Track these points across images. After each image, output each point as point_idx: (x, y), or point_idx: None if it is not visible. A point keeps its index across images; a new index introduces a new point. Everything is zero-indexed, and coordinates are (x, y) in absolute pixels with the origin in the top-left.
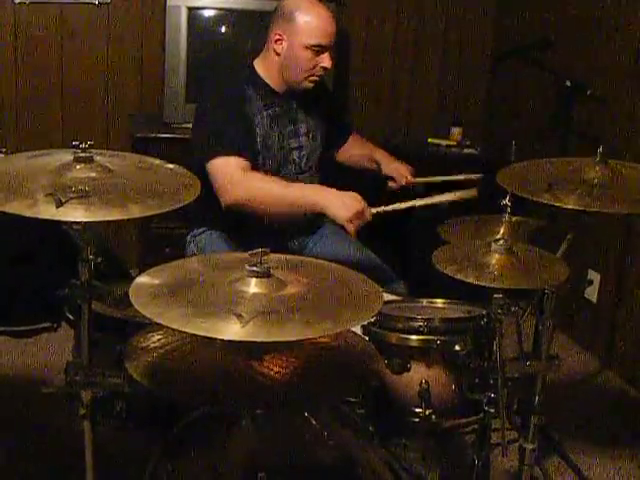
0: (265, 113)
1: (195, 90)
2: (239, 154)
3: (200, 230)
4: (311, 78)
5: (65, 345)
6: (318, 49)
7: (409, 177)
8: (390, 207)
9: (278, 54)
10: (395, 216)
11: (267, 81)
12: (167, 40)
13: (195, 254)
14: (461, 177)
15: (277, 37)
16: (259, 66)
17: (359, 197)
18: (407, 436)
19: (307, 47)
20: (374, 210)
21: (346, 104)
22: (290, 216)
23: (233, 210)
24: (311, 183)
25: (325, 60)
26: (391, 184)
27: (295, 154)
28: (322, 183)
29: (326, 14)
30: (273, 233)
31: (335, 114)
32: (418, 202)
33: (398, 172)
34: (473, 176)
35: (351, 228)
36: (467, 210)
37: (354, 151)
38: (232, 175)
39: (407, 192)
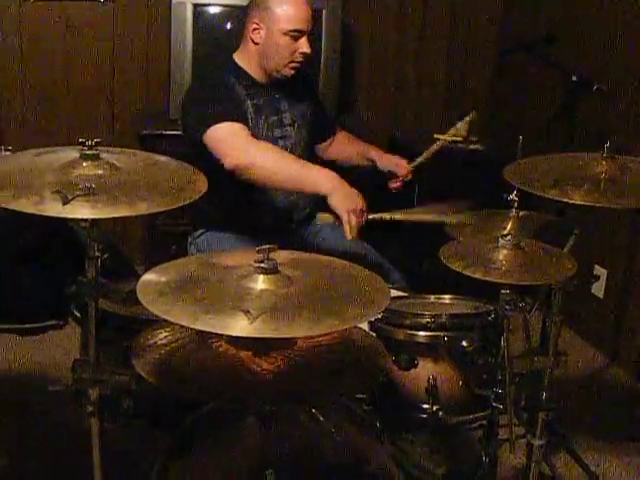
0: (249, 102)
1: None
2: (235, 120)
3: (199, 232)
4: (291, 65)
5: (72, 342)
6: (296, 34)
7: (406, 166)
8: (388, 216)
9: (257, 43)
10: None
11: (249, 72)
12: (173, 37)
13: None
14: (446, 137)
15: (254, 26)
16: (239, 58)
17: (362, 197)
18: (414, 432)
19: (285, 33)
20: (371, 216)
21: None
22: (291, 192)
23: (236, 176)
24: None
25: (303, 45)
26: (391, 184)
27: (280, 143)
28: None
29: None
30: (271, 231)
31: (317, 102)
32: (412, 218)
33: (394, 164)
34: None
35: (347, 219)
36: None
37: (344, 148)
38: (234, 137)
39: (405, 202)
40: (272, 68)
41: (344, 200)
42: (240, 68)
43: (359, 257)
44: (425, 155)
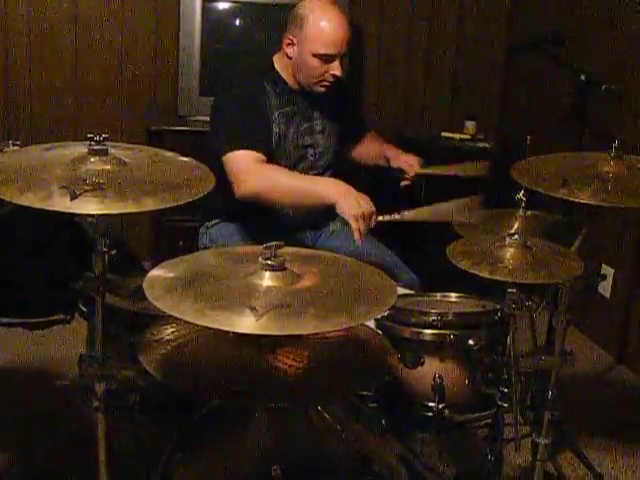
0: (281, 110)
1: (209, 83)
2: (255, 148)
3: (213, 222)
4: (322, 84)
5: (78, 337)
6: (326, 58)
7: (417, 168)
8: (398, 216)
9: (290, 57)
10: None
11: (284, 78)
12: (181, 33)
13: (207, 246)
14: (468, 165)
15: (288, 41)
16: (277, 63)
17: (370, 200)
18: (420, 430)
19: (315, 55)
20: (380, 217)
21: (361, 101)
22: (303, 208)
23: (248, 201)
24: None
25: (335, 68)
26: (403, 182)
27: (310, 152)
28: None
29: (337, 22)
30: (286, 226)
31: (351, 111)
32: (422, 218)
33: (407, 163)
34: (480, 166)
35: (356, 226)
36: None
37: (369, 148)
38: (247, 166)
39: (411, 200)
40: (304, 83)
41: (351, 206)
42: (277, 73)
43: (372, 257)
44: (438, 170)
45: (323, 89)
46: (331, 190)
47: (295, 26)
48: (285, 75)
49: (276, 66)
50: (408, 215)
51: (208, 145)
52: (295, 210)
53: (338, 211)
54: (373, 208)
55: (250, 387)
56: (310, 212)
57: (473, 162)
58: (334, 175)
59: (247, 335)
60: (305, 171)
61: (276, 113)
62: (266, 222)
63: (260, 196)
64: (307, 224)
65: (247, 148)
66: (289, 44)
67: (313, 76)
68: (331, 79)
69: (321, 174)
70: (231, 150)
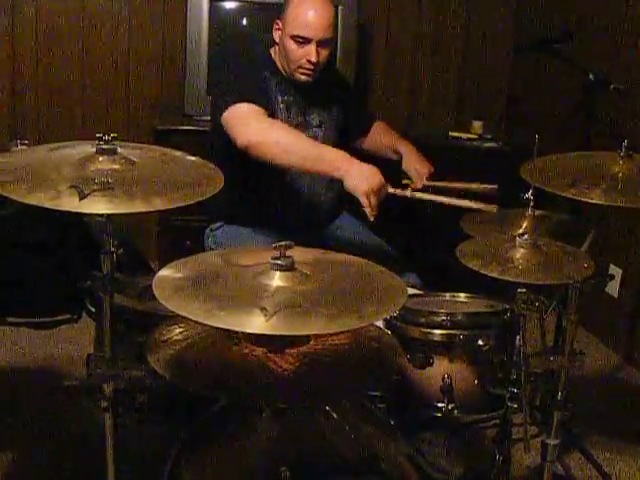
0: (281, 99)
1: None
2: (255, 102)
3: (218, 224)
4: (300, 70)
5: (85, 337)
6: (301, 40)
7: (425, 180)
8: (408, 193)
9: (277, 43)
10: (407, 203)
11: (280, 69)
12: (188, 32)
13: (212, 248)
14: (476, 186)
15: (276, 26)
16: (274, 55)
17: (380, 174)
18: (429, 431)
19: (291, 37)
20: (391, 190)
21: (366, 95)
22: (306, 172)
23: (249, 154)
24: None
25: (310, 53)
26: (406, 181)
27: None
28: None
29: (317, 6)
30: (292, 227)
31: (354, 107)
32: (435, 198)
33: (417, 173)
34: (489, 187)
35: (366, 202)
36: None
37: (379, 139)
38: (253, 116)
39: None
40: (287, 71)
41: (360, 182)
42: (274, 63)
43: (373, 253)
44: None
45: (304, 77)
46: (338, 162)
47: (282, 10)
48: (280, 66)
49: (273, 57)
50: (420, 194)
51: (210, 142)
52: (305, 193)
53: (346, 187)
54: (382, 180)
55: (258, 387)
56: (313, 211)
57: (482, 184)
58: None
59: (256, 335)
60: None
61: (278, 100)
62: (273, 224)
63: (263, 147)
64: (312, 224)
65: (248, 102)
66: (277, 29)
67: (291, 61)
68: (308, 65)
69: None
70: (235, 103)
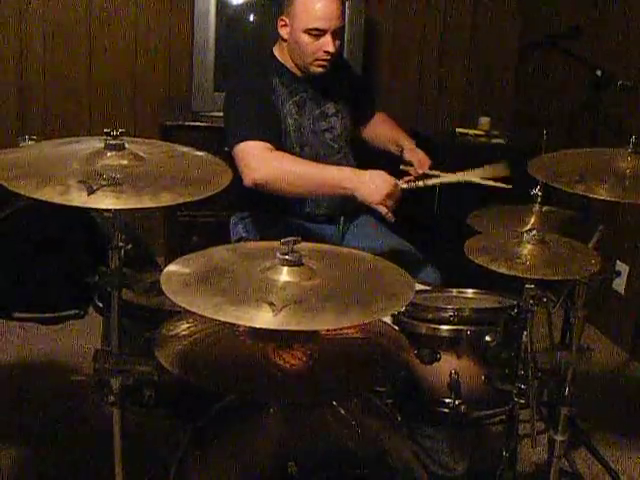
0: (292, 101)
1: (224, 79)
2: (264, 139)
3: (246, 213)
4: (317, 62)
5: (93, 332)
6: (317, 33)
7: (424, 167)
8: (421, 183)
9: (285, 40)
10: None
11: (287, 67)
12: (195, 28)
13: (243, 236)
14: (486, 169)
15: (282, 23)
16: (278, 52)
17: (387, 176)
18: (436, 426)
19: (305, 31)
20: (404, 185)
21: (370, 81)
22: (319, 196)
23: (258, 190)
24: (346, 163)
25: (327, 44)
26: (404, 167)
27: (328, 136)
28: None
29: None
30: (316, 219)
31: (359, 91)
32: (448, 178)
33: (419, 161)
34: (498, 185)
35: (384, 210)
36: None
37: (381, 131)
38: (255, 155)
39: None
40: (301, 65)
41: (372, 194)
42: (280, 63)
43: (393, 251)
44: (445, 178)
45: (320, 69)
46: (346, 182)
47: (286, 5)
48: (287, 63)
49: (277, 56)
50: (432, 181)
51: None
52: (312, 198)
53: (360, 200)
54: (393, 181)
55: (265, 383)
56: (335, 203)
57: (489, 165)
58: (354, 157)
59: (264, 330)
60: (328, 156)
61: (287, 105)
62: (301, 216)
63: (269, 185)
64: (335, 216)
65: (256, 139)
66: (283, 25)
67: (307, 55)
68: (325, 57)
69: (342, 157)
70: (240, 141)
